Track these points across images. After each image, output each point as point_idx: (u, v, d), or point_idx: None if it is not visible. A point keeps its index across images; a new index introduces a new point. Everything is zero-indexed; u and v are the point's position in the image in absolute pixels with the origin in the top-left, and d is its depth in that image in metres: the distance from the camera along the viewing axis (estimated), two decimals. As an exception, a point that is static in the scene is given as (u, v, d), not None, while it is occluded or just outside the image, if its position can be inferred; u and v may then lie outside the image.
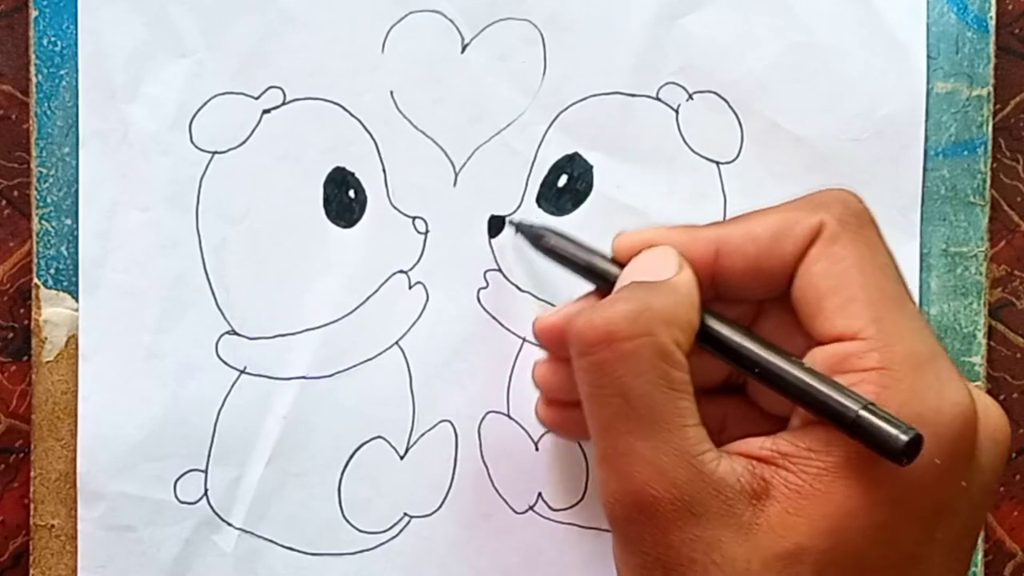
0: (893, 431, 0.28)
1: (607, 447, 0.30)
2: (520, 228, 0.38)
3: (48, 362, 0.39)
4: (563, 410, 0.36)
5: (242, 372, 0.39)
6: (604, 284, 0.34)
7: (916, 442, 0.28)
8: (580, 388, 0.31)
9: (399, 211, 0.39)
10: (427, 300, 0.39)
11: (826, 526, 0.28)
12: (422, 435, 0.39)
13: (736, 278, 0.32)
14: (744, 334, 0.31)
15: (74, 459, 0.39)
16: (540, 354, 0.39)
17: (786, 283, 0.32)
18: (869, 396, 0.29)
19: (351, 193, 0.39)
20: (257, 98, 0.39)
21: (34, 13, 0.39)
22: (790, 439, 0.30)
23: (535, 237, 0.36)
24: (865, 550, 0.29)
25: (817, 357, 0.30)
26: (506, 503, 0.39)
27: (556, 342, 0.34)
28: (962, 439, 0.29)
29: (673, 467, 0.29)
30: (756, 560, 0.28)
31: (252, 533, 0.39)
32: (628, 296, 0.30)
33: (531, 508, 0.39)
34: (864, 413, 0.28)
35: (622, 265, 0.33)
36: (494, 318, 0.39)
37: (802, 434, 0.30)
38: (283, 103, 0.39)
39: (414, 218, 0.39)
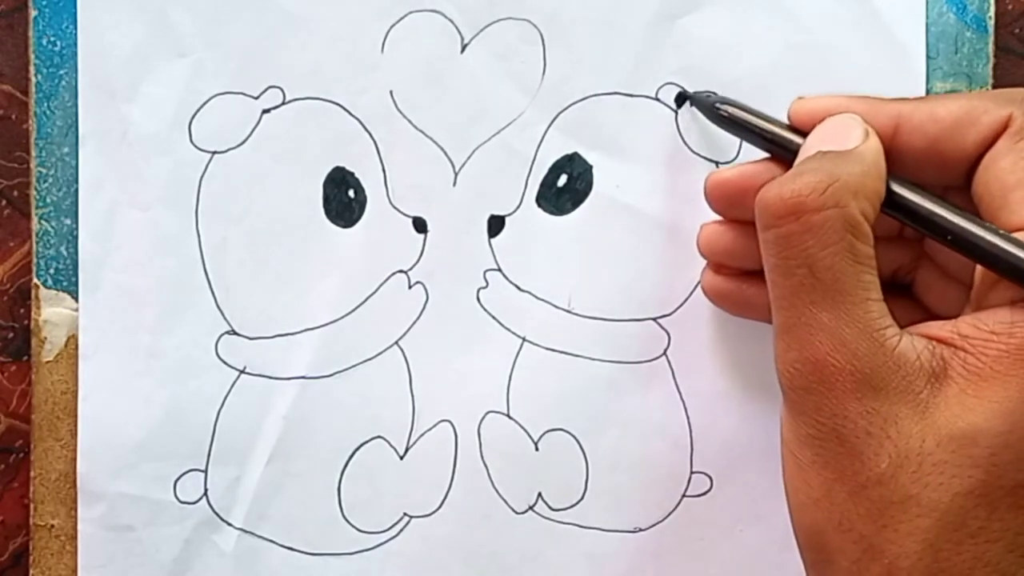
0: None
1: (790, 317, 0.30)
2: (694, 100, 0.38)
3: (48, 362, 0.39)
4: (729, 280, 0.36)
5: (242, 372, 0.39)
6: (784, 153, 0.34)
7: None
8: (765, 259, 0.31)
9: (399, 211, 0.39)
10: (427, 300, 0.39)
11: (1004, 408, 0.28)
12: (422, 435, 0.39)
13: (913, 158, 0.32)
14: (934, 200, 0.31)
15: (74, 459, 0.39)
16: (542, 354, 0.39)
17: (963, 172, 0.32)
18: None
19: (351, 193, 0.39)
20: (257, 98, 0.39)
21: (34, 13, 0.39)
22: (972, 322, 0.30)
23: (710, 107, 0.36)
24: None
25: None
26: (506, 503, 0.39)
27: (725, 199, 0.35)
28: None
29: (855, 339, 0.29)
30: (931, 438, 0.29)
31: (252, 533, 0.39)
32: (815, 167, 0.30)
33: (531, 508, 0.39)
34: None
35: (802, 133, 0.33)
36: (494, 318, 0.39)
37: (985, 317, 0.30)
38: (283, 103, 0.39)
39: (414, 218, 0.39)
